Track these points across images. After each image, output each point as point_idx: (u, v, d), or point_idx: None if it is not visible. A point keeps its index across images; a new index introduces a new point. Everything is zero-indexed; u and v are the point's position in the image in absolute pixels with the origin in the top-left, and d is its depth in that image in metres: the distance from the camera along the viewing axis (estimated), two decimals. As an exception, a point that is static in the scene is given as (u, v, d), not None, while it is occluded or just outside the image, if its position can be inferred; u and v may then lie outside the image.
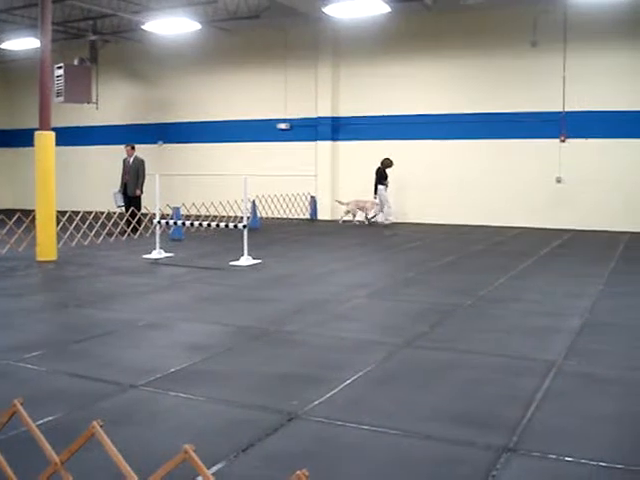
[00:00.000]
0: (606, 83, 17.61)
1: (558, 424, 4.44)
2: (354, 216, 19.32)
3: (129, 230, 15.68)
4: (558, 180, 18.27)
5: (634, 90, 17.35)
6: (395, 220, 19.03)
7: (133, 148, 17.35)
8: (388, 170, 18.78)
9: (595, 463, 3.83)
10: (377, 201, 18.89)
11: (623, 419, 4.56)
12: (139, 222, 16.17)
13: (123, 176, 17.17)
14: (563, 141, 18.17)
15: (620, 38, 17.23)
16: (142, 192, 16.84)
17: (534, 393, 4.98)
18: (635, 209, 17.33)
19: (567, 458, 3.89)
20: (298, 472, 1.80)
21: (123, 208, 16.66)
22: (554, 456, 3.92)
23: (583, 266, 11.72)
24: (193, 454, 2.01)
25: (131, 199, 16.72)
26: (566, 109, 18.08)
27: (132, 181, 16.85)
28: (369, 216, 19.29)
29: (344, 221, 19.44)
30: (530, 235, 16.53)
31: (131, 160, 17.15)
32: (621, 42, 17.27)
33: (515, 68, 18.58)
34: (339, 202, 19.67)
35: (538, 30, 18.03)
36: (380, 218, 19.04)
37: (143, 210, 16.65)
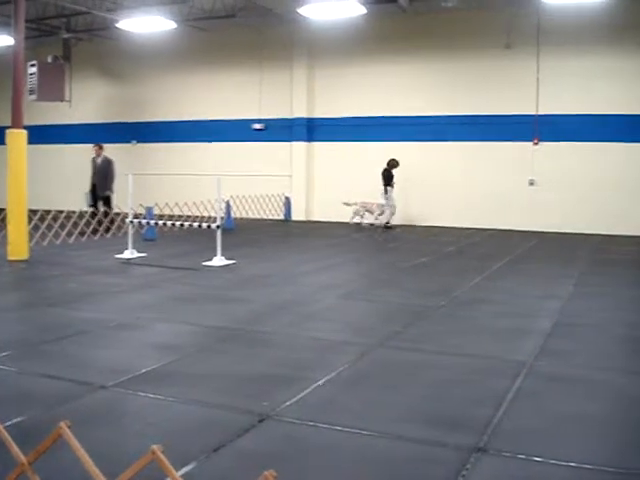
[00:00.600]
0: (579, 86, 17.77)
1: (528, 424, 4.48)
2: (361, 217, 19.07)
3: (101, 230, 15.53)
4: (531, 183, 18.41)
5: (607, 94, 17.53)
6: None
7: (101, 148, 17.17)
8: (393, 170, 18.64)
9: (564, 463, 3.86)
10: (384, 203, 18.62)
11: (592, 419, 4.60)
12: (112, 222, 16.02)
13: (92, 176, 17.01)
14: (536, 144, 18.32)
15: (593, 41, 17.39)
16: (112, 192, 16.69)
17: (505, 393, 5.01)
18: (606, 211, 17.51)
19: (537, 458, 3.92)
20: (266, 473, 1.80)
21: (93, 208, 16.47)
22: (524, 456, 3.95)
23: (554, 268, 11.82)
24: (161, 455, 2.01)
25: (102, 199, 16.57)
26: (539, 112, 18.23)
27: (101, 181, 16.69)
28: (377, 219, 18.90)
29: (356, 223, 19.14)
30: (503, 237, 16.65)
31: (99, 160, 16.98)
32: (594, 45, 17.43)
33: (490, 71, 18.70)
34: (346, 203, 19.14)
35: (512, 33, 18.16)
36: (372, 219, 18.94)
37: (115, 209, 16.50)
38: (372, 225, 18.81)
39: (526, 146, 18.42)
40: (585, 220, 17.61)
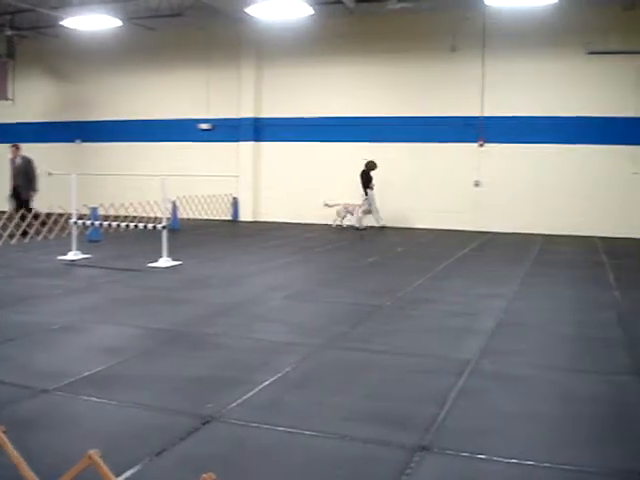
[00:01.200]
0: (524, 89, 18.07)
1: (471, 422, 4.53)
2: (342, 219, 18.85)
3: (32, 232, 14.98)
4: (476, 184, 18.65)
5: (550, 96, 17.86)
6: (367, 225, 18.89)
7: (18, 148, 16.61)
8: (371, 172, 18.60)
9: (507, 460, 3.92)
10: (363, 204, 18.50)
11: (534, 417, 4.68)
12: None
13: (12, 178, 16.41)
14: (481, 145, 18.57)
15: (537, 45, 17.69)
16: (36, 191, 16.24)
17: (449, 392, 5.06)
18: (549, 212, 17.84)
19: (480, 456, 3.97)
20: (204, 475, 1.78)
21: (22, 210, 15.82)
22: (467, 454, 4.00)
23: (499, 267, 11.99)
24: (98, 459, 1.97)
25: (25, 201, 16.09)
26: (485, 114, 18.48)
27: (23, 183, 16.18)
28: (354, 221, 18.66)
29: (337, 225, 18.94)
30: (449, 237, 16.82)
31: (18, 160, 16.47)
32: (538, 48, 17.73)
33: (436, 73, 18.89)
34: (327, 205, 18.85)
35: (458, 36, 18.37)
36: (353, 221, 18.66)
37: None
38: (354, 227, 18.63)
39: (471, 147, 18.66)
40: (529, 220, 17.92)
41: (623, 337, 6.96)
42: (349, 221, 18.85)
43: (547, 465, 3.86)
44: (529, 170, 18.09)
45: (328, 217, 19.37)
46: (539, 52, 17.80)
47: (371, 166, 18.47)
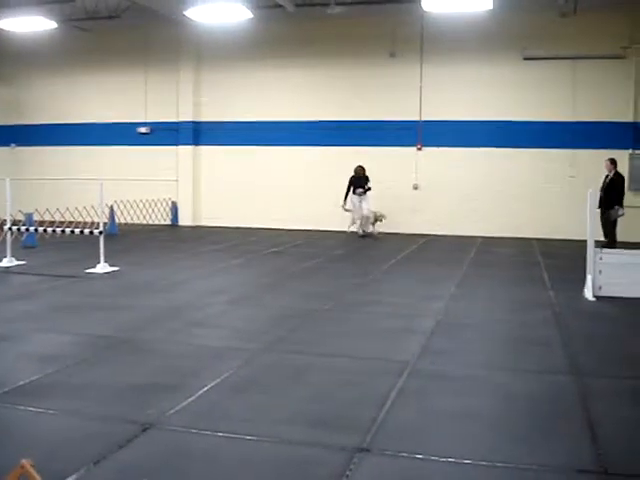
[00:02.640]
0: (461, 93, 18.34)
1: (410, 423, 4.58)
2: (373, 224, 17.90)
3: None
4: (415, 187, 18.86)
5: (488, 101, 18.16)
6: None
7: None
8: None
9: (444, 459, 3.99)
10: (372, 210, 17.71)
11: (472, 416, 4.76)
12: None
13: None
14: (420, 149, 18.78)
15: (475, 50, 17.97)
16: None
17: (388, 393, 5.11)
18: (487, 215, 18.14)
19: (418, 455, 4.03)
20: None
21: None
22: (406, 454, 4.05)
23: (438, 269, 12.15)
24: (30, 468, 1.94)
25: None
26: (423, 118, 18.70)
27: None
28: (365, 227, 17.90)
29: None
30: (388, 240, 16.95)
31: None
32: (476, 54, 18.01)
33: (375, 77, 19.03)
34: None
35: (397, 41, 18.56)
36: (355, 228, 17.92)
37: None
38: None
39: (410, 151, 18.86)
40: (467, 223, 18.19)
41: (559, 336, 7.12)
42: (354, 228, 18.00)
43: (484, 463, 3.94)
44: (467, 173, 18.38)
45: (267, 221, 19.34)
46: (476, 57, 18.11)
47: (358, 171, 17.73)
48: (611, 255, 9.56)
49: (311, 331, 7.32)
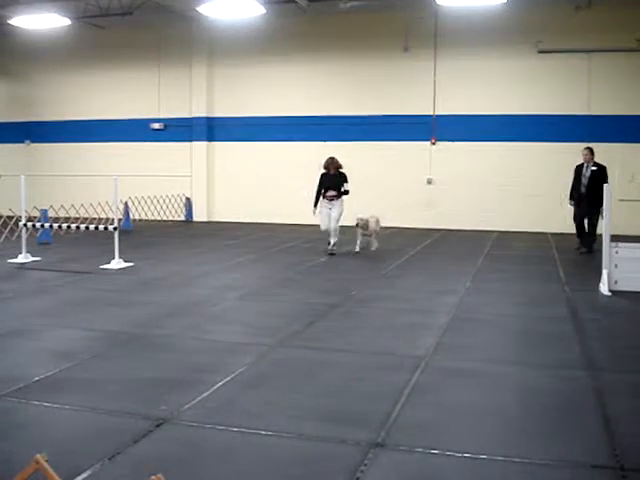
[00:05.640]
0: (475, 88, 18.29)
1: (425, 418, 4.56)
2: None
3: None
4: (429, 181, 18.81)
5: (502, 95, 18.10)
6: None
7: None
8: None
9: (460, 455, 3.96)
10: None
11: (487, 411, 4.73)
12: None
13: None
14: (434, 144, 18.73)
15: (489, 44, 17.93)
16: None
17: (403, 389, 5.09)
18: (501, 209, 18.06)
19: (433, 451, 4.01)
20: (153, 477, 1.76)
21: None
22: (421, 449, 4.03)
23: (452, 264, 12.10)
24: (44, 464, 1.94)
25: None
26: (437, 112, 18.64)
27: None
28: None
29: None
30: (402, 235, 16.92)
31: None
32: (490, 48, 17.97)
33: (389, 72, 18.99)
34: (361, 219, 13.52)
35: (410, 36, 18.50)
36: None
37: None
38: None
39: (424, 146, 18.80)
40: (481, 217, 18.12)
41: (574, 331, 7.08)
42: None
43: (500, 459, 3.91)
44: (481, 167, 18.31)
45: (282, 216, 19.35)
46: (490, 51, 18.04)
47: (328, 165, 13.77)
48: (627, 249, 9.48)
49: (326, 326, 7.30)
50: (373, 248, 13.57)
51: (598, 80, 17.46)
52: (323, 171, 13.82)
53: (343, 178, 13.67)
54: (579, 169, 13.70)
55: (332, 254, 13.13)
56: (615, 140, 17.05)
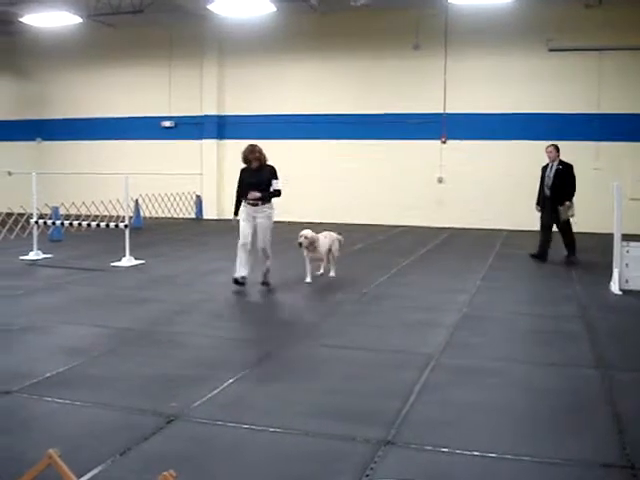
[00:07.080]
0: (485, 86, 18.24)
1: (435, 416, 4.57)
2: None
3: None
4: (439, 180, 18.78)
5: (512, 93, 18.04)
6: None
7: None
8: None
9: (469, 453, 3.96)
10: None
11: (497, 409, 4.73)
12: None
13: None
14: (444, 142, 18.70)
15: (500, 42, 17.87)
16: None
17: (412, 386, 5.10)
18: (511, 208, 17.99)
19: (443, 449, 4.01)
20: (165, 473, 1.77)
21: None
22: (431, 447, 4.03)
23: (462, 262, 12.08)
24: (57, 458, 1.95)
25: None
26: (447, 111, 18.61)
27: None
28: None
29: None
30: (412, 233, 16.90)
31: None
32: (500, 46, 17.92)
33: (399, 70, 18.97)
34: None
35: (421, 33, 18.47)
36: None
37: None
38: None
39: (434, 144, 18.78)
40: (492, 216, 18.07)
41: (585, 330, 7.06)
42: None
43: (509, 457, 3.91)
44: (491, 166, 18.26)
45: (292, 215, 19.34)
46: (501, 49, 17.99)
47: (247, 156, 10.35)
48: (638, 248, 9.43)
49: (335, 323, 7.31)
50: (331, 274, 10.24)
51: (608, 78, 17.39)
52: (243, 166, 10.25)
53: (271, 174, 10.20)
54: (544, 170, 12.44)
55: (239, 283, 9.16)
56: (625, 139, 16.98)
